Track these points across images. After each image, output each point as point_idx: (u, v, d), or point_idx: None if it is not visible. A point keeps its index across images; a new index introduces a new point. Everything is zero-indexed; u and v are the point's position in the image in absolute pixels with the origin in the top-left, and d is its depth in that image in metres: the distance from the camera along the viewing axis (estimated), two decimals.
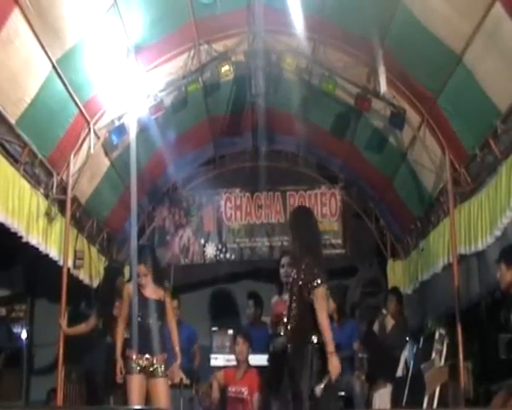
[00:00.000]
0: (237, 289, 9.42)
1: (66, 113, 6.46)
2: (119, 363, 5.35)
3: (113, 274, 6.62)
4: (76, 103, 6.45)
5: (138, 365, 5.33)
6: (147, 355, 5.34)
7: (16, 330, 8.84)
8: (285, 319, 4.61)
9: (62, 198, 6.99)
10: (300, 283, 4.44)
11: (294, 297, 4.51)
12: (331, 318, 7.01)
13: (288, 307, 4.57)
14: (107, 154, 7.56)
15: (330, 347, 4.28)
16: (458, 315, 6.49)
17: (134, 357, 5.32)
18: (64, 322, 6.73)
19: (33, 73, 5.69)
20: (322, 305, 4.33)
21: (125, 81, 6.75)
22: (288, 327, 4.56)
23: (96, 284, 8.02)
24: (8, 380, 8.35)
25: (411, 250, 8.85)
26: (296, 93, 7.83)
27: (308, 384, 4.28)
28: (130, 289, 5.53)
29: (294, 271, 4.57)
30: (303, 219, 4.84)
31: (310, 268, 4.44)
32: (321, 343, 4.35)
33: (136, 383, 5.33)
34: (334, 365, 4.28)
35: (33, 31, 5.30)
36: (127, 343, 5.43)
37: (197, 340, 7.33)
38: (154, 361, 5.37)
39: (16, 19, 5.06)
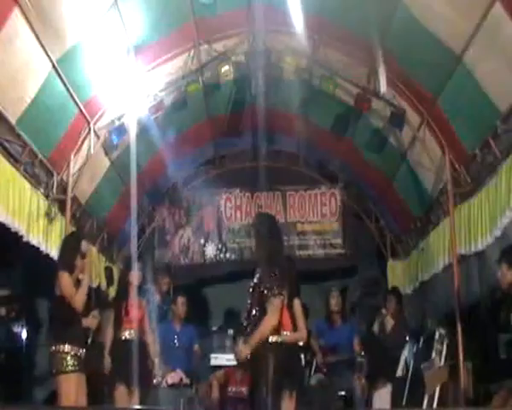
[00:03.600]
0: (237, 289, 9.38)
1: (66, 113, 6.46)
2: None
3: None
4: (76, 103, 6.46)
5: (75, 361, 4.48)
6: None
7: (16, 330, 8.82)
8: (244, 323, 4.60)
9: (62, 198, 6.99)
10: (261, 289, 4.47)
11: (255, 303, 4.51)
12: (333, 320, 7.06)
13: (247, 312, 4.56)
14: (107, 154, 7.57)
15: (252, 340, 4.29)
16: (458, 315, 6.49)
17: (68, 350, 4.47)
18: None
19: (33, 73, 5.69)
20: (272, 315, 4.34)
21: (125, 81, 6.76)
22: (248, 330, 4.54)
23: (95, 283, 8.00)
24: (7, 380, 8.32)
25: (411, 250, 8.85)
26: (296, 93, 7.82)
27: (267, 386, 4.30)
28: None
29: (256, 276, 4.60)
30: (266, 226, 4.80)
31: (271, 276, 4.46)
32: (279, 342, 4.39)
33: (72, 385, 4.46)
34: (239, 348, 4.36)
35: (33, 31, 5.30)
36: (62, 335, 4.62)
37: (197, 341, 7.31)
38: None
39: (16, 19, 5.07)
